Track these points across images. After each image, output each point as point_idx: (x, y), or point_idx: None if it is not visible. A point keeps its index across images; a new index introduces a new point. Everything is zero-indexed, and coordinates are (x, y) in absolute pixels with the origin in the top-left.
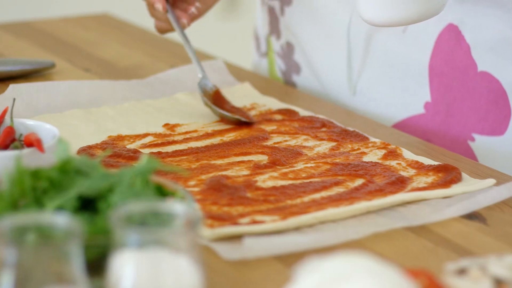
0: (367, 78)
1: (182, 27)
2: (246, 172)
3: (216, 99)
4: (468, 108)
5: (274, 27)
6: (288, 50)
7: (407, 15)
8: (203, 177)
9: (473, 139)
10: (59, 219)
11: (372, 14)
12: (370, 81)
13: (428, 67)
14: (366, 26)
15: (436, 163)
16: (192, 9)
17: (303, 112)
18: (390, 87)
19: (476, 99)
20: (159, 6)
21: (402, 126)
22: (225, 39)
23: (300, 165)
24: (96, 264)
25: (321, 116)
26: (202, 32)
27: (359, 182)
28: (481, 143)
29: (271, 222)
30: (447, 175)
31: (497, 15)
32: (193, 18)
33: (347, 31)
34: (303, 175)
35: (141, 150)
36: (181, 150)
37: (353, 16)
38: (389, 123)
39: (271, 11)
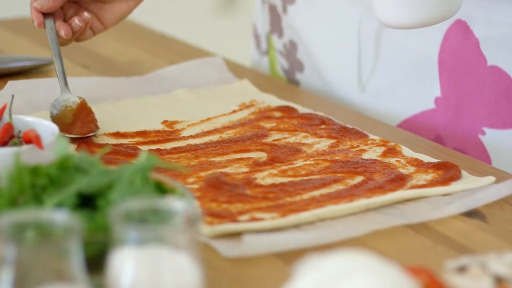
0: (377, 75)
1: (61, 43)
2: (245, 169)
3: (80, 111)
4: (478, 102)
5: (276, 26)
6: (292, 48)
7: (425, 17)
8: (202, 174)
9: (483, 133)
10: (58, 216)
11: (390, 16)
12: (379, 78)
13: (437, 62)
14: (376, 24)
15: (435, 160)
16: (76, 21)
17: (302, 109)
18: (400, 83)
19: (486, 93)
20: (35, 23)
21: (412, 122)
22: (223, 37)
23: (299, 163)
24: (96, 261)
25: (320, 113)
26: (200, 30)
27: (358, 179)
28: (492, 137)
29: (270, 220)
30: (447, 172)
31: (506, 9)
32: (78, 31)
33: (358, 29)
34: (303, 173)
35: (140, 147)
36: (180, 147)
37: (364, 15)
38: (399, 119)
39: (272, 10)
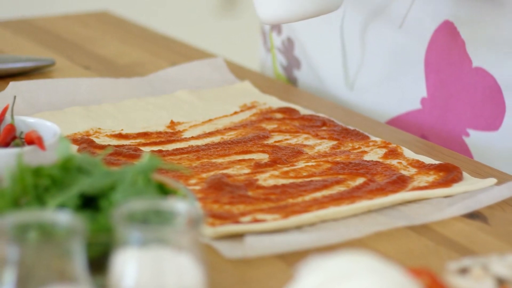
0: (364, 74)
1: None
2: (247, 171)
3: None
4: (463, 103)
5: None
6: (289, 45)
7: (301, 10)
8: (204, 175)
9: (468, 135)
10: (61, 216)
11: (267, 11)
12: (367, 77)
13: (424, 62)
14: (360, 21)
15: (437, 162)
16: None
17: (303, 111)
18: (387, 82)
19: (471, 94)
20: None
21: (399, 121)
22: (225, 38)
23: (301, 164)
24: (98, 262)
25: (321, 115)
26: (201, 31)
27: (360, 181)
28: (476, 139)
29: (272, 221)
30: (448, 174)
31: (492, 10)
32: None
33: (340, 26)
34: (304, 174)
35: (141, 148)
36: (181, 149)
37: (346, 12)
38: (386, 118)
39: None
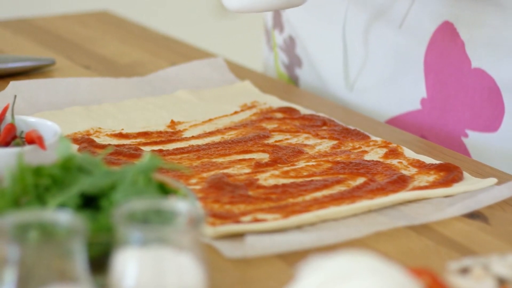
0: (365, 74)
1: None
2: (247, 170)
3: None
4: (462, 104)
5: (277, 21)
6: (291, 43)
7: (266, 1)
8: (205, 175)
9: (466, 136)
10: (62, 216)
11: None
12: (368, 77)
13: (424, 63)
14: (362, 22)
15: (437, 162)
16: None
17: (304, 111)
18: (387, 83)
19: (470, 95)
20: None
21: (398, 121)
22: (225, 37)
23: (301, 164)
24: (99, 262)
25: (322, 115)
26: (201, 31)
27: (360, 180)
28: (475, 139)
29: (273, 221)
30: (449, 174)
31: (492, 12)
32: None
33: (343, 26)
34: (305, 174)
35: (142, 147)
36: (182, 148)
37: (349, 11)
38: (385, 118)
39: None
